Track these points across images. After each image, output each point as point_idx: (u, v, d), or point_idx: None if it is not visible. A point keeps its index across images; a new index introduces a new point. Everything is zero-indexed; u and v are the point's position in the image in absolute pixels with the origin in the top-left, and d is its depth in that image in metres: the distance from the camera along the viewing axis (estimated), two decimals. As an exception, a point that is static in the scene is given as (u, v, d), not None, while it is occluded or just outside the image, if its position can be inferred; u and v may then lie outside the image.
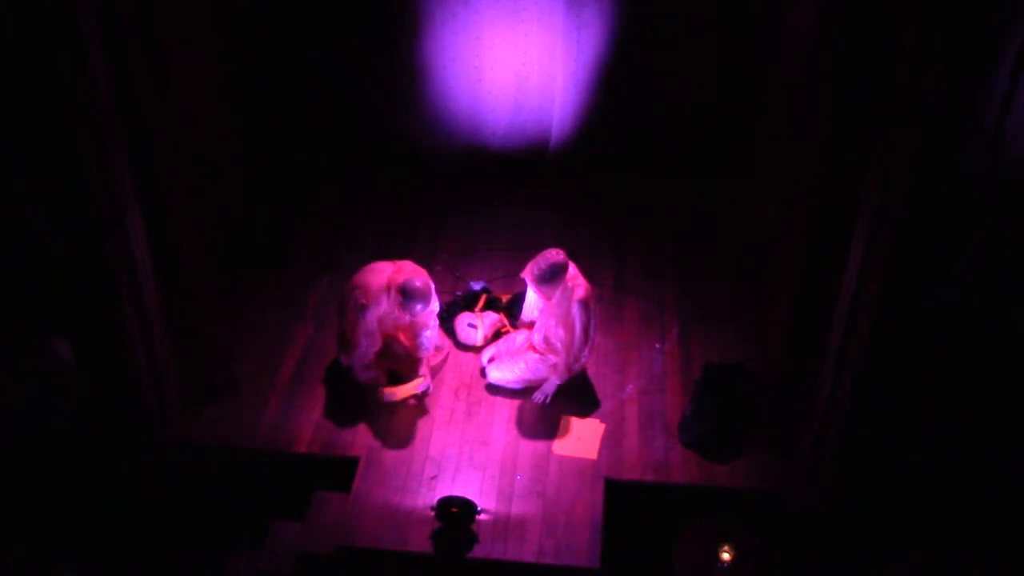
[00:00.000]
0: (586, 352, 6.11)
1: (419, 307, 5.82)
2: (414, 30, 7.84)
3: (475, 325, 6.61)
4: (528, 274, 5.89)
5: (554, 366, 6.13)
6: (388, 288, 5.84)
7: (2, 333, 5.75)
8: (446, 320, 6.70)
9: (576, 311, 5.87)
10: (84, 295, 5.46)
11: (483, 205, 8.09)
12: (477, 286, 6.93)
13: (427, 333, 6.11)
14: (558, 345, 6.03)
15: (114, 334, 5.56)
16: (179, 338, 5.98)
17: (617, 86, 7.94)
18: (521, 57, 7.90)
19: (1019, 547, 5.32)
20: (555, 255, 5.84)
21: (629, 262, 7.49)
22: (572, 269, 5.99)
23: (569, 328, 5.95)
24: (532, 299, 6.22)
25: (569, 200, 8.14)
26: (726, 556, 5.32)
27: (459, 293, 6.98)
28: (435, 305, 6.06)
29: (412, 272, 5.87)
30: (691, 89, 7.90)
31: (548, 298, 5.98)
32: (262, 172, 8.00)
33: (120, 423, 5.90)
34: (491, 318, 6.66)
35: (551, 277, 5.82)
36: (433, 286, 5.94)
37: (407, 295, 5.77)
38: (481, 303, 6.75)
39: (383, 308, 5.91)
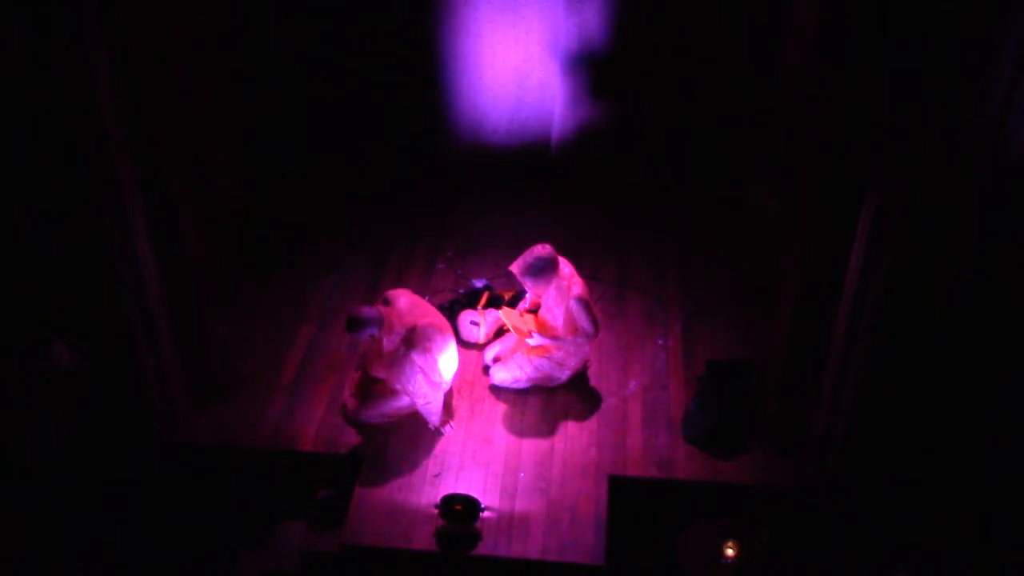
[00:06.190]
0: (585, 349, 6.15)
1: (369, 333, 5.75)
2: (415, 29, 7.84)
3: (477, 323, 6.62)
4: (515, 267, 5.91)
5: (560, 363, 6.14)
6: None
7: (3, 336, 5.75)
8: (449, 318, 6.71)
9: (575, 308, 5.88)
10: (89, 296, 5.47)
11: (485, 202, 8.09)
12: (479, 284, 6.93)
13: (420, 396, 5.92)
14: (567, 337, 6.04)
15: (119, 335, 5.57)
16: (183, 338, 5.99)
17: (618, 82, 7.94)
18: (522, 54, 7.89)
19: (1019, 547, 5.32)
20: (540, 249, 5.87)
21: (631, 258, 7.48)
22: (568, 269, 6.00)
23: (571, 326, 5.97)
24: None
25: (571, 197, 8.13)
26: (730, 552, 5.33)
27: (461, 291, 6.99)
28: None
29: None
30: (693, 84, 7.89)
31: (536, 294, 6.00)
32: (266, 172, 8.00)
33: (125, 424, 5.91)
34: (493, 316, 6.66)
35: (536, 271, 5.84)
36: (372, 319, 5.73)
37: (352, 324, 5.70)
38: (483, 301, 6.76)
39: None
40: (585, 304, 5.91)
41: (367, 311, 5.73)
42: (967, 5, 4.16)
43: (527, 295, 6.34)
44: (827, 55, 5.04)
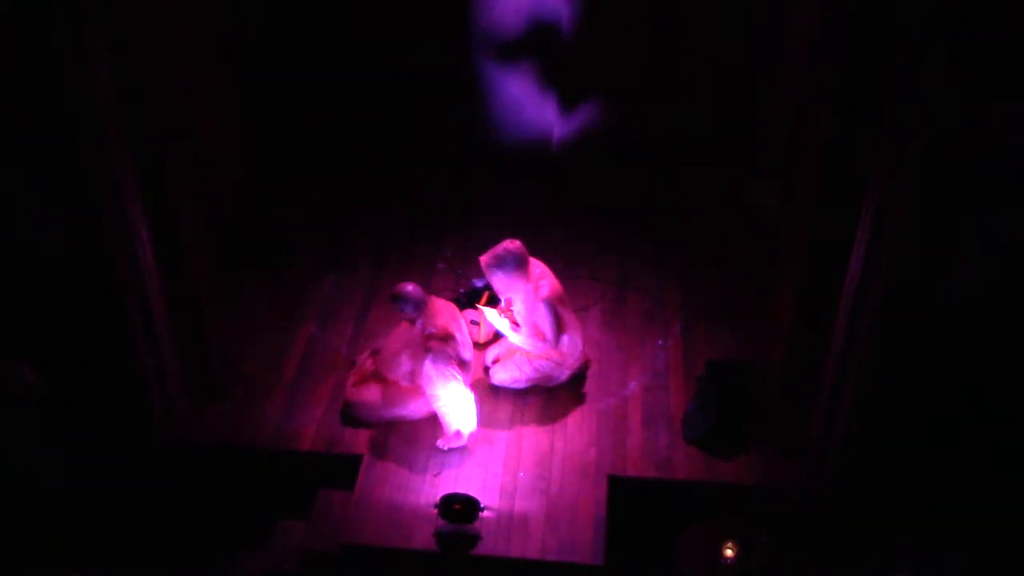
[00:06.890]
0: (580, 348, 6.12)
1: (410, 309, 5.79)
2: (415, 28, 7.84)
3: (478, 323, 6.61)
4: (483, 258, 5.89)
5: (560, 363, 6.14)
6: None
7: (2, 336, 5.74)
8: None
9: (540, 310, 5.86)
10: (89, 296, 5.46)
11: (486, 202, 8.08)
12: (479, 283, 6.93)
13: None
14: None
15: (119, 335, 5.57)
16: (183, 338, 5.98)
17: (618, 82, 7.93)
18: (523, 54, 7.89)
19: (1019, 547, 5.32)
20: (509, 243, 5.84)
21: (632, 258, 7.48)
22: (539, 269, 5.96)
23: (537, 329, 5.96)
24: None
25: (572, 196, 8.13)
26: (729, 553, 5.32)
27: (462, 291, 6.99)
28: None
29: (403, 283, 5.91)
30: (693, 84, 7.89)
31: (501, 291, 5.98)
32: (266, 171, 8.00)
33: (125, 424, 5.90)
34: (493, 315, 6.67)
35: (501, 262, 5.80)
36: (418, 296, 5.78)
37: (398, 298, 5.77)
38: (483, 300, 6.75)
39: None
40: (550, 308, 5.86)
41: (414, 290, 5.74)
42: (967, 5, 4.16)
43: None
44: (827, 55, 5.04)
